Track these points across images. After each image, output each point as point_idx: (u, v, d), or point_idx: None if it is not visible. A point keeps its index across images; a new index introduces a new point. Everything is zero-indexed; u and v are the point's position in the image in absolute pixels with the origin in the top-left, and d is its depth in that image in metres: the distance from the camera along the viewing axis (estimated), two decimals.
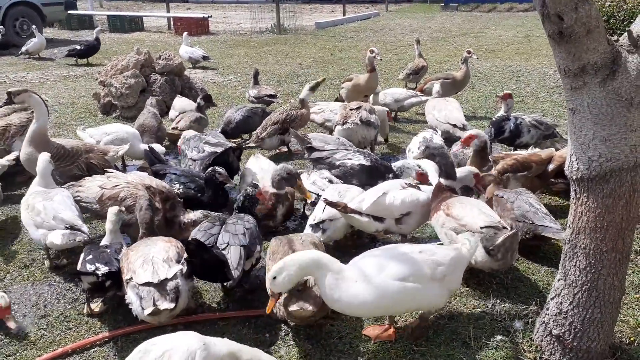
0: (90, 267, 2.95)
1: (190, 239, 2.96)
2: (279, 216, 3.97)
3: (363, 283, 2.56)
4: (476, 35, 13.97)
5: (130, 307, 2.76)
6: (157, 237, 3.15)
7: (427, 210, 3.50)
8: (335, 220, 3.55)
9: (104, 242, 3.35)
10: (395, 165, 4.35)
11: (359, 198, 3.54)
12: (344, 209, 3.41)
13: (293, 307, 2.70)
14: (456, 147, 4.56)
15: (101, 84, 7.46)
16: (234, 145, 4.85)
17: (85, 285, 2.98)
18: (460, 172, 3.70)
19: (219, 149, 4.65)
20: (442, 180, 3.48)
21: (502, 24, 16.27)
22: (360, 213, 3.43)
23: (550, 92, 7.96)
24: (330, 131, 5.64)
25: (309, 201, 4.07)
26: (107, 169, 4.24)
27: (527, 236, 3.43)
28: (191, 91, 7.71)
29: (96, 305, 3.17)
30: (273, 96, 7.01)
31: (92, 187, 3.81)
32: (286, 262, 2.61)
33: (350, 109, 5.37)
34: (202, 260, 2.88)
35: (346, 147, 4.62)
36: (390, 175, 4.26)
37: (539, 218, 3.43)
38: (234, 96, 8.30)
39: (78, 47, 11.18)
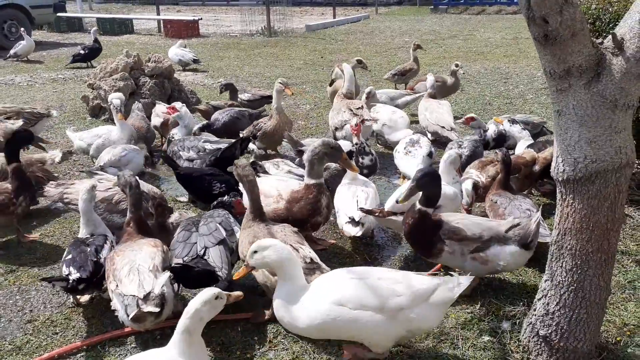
0: (65, 271, 2.95)
1: (174, 264, 2.93)
2: (324, 209, 3.55)
3: (306, 305, 2.48)
4: (465, 38, 14.04)
5: (116, 313, 2.75)
6: (144, 239, 3.12)
7: (455, 204, 3.67)
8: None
9: (85, 232, 3.31)
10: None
11: (390, 201, 3.61)
12: (381, 213, 3.47)
13: None
14: (453, 148, 4.68)
15: (90, 87, 7.42)
16: (239, 139, 4.84)
17: (59, 288, 2.97)
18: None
19: (222, 146, 4.70)
20: (420, 206, 3.09)
21: (491, 26, 16.37)
22: (395, 214, 3.47)
23: (538, 93, 8.02)
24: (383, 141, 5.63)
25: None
26: (96, 172, 4.22)
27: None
28: (181, 94, 7.68)
29: (81, 297, 3.17)
30: (269, 97, 6.92)
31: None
32: (273, 246, 2.57)
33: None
34: (191, 278, 2.90)
35: None
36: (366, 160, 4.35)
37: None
38: (224, 98, 8.27)
39: (81, 52, 11.06)
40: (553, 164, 2.49)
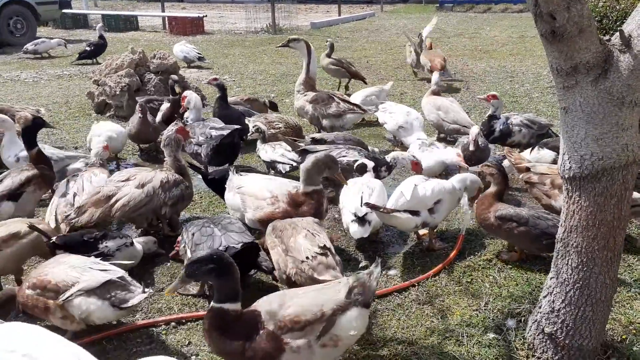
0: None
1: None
2: (325, 212, 3.63)
3: None
4: (471, 36, 14.00)
5: None
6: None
7: (454, 197, 3.67)
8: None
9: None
10: (388, 157, 4.33)
11: (393, 198, 3.60)
12: (385, 209, 3.46)
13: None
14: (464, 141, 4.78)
15: (95, 83, 7.44)
16: (239, 127, 4.99)
17: None
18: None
19: (225, 132, 4.80)
20: (214, 304, 2.38)
21: (497, 24, 16.30)
22: (399, 211, 3.48)
23: (544, 92, 7.99)
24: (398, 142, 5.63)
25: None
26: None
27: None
28: (185, 90, 7.68)
29: None
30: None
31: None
32: None
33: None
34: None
35: (338, 146, 4.65)
36: (384, 169, 4.26)
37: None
38: (229, 95, 8.27)
39: (87, 49, 11.08)
40: (559, 161, 2.49)
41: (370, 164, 4.11)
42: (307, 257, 2.87)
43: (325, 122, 5.76)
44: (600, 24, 4.10)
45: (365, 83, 7.97)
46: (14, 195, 3.86)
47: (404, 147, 5.37)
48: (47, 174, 4.11)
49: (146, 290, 2.82)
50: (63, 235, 3.26)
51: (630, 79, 2.26)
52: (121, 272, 2.85)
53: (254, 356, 2.29)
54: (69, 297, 2.68)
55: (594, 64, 2.29)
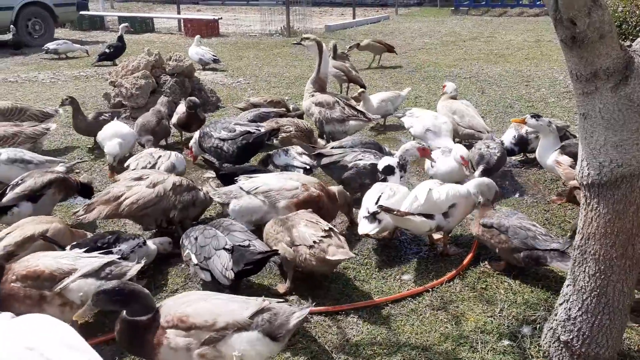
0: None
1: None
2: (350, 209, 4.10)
3: None
4: (486, 40, 13.92)
5: None
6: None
7: (470, 202, 3.63)
8: None
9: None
10: (396, 155, 4.25)
11: (407, 202, 3.58)
12: (399, 212, 3.45)
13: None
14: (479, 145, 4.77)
15: (112, 85, 7.51)
16: (271, 128, 5.10)
17: None
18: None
19: (251, 128, 4.90)
20: (125, 316, 2.44)
21: (513, 28, 16.19)
22: (413, 214, 3.47)
23: (560, 97, 7.92)
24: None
25: None
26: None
27: (530, 264, 3.27)
28: (201, 92, 7.73)
29: None
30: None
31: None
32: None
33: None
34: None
35: (353, 149, 4.66)
36: (397, 170, 4.22)
37: (540, 242, 3.21)
38: (242, 98, 8.32)
39: (107, 51, 11.21)
40: (577, 168, 2.46)
41: (395, 163, 4.08)
42: (315, 242, 3.12)
43: (327, 127, 5.73)
44: (619, 29, 4.08)
45: (364, 89, 7.79)
46: (34, 196, 3.91)
47: None
48: (69, 181, 4.17)
49: (141, 261, 2.95)
50: (77, 243, 3.28)
51: None
52: (115, 256, 3.00)
53: (142, 345, 2.34)
54: (68, 283, 2.73)
55: (614, 70, 2.26)
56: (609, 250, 2.40)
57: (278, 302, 2.48)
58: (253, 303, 2.41)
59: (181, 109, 6.14)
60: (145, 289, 2.41)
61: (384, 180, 4.04)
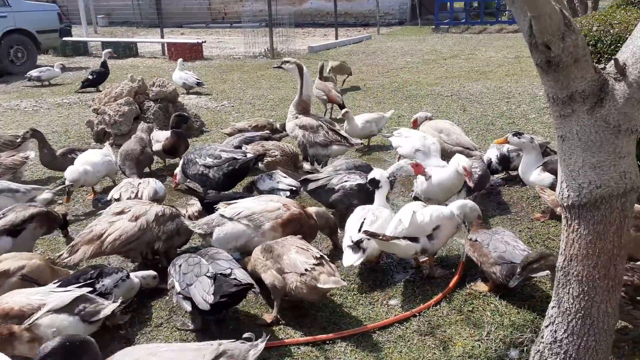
0: None
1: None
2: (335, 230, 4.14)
3: None
4: (467, 57, 14.13)
5: None
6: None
7: (453, 224, 3.64)
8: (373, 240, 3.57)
9: None
10: (389, 171, 4.25)
11: (392, 226, 3.58)
12: (384, 237, 3.44)
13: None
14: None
15: (95, 112, 7.47)
16: (257, 154, 5.12)
17: None
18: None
19: (237, 155, 4.87)
20: None
21: (493, 45, 16.46)
22: (398, 238, 3.46)
23: (540, 113, 8.03)
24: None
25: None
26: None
27: (507, 279, 3.20)
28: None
29: None
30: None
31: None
32: None
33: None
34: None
35: (338, 172, 4.66)
36: (385, 185, 4.17)
37: (518, 257, 3.23)
38: (227, 121, 8.32)
39: (90, 77, 11.16)
40: (557, 189, 2.47)
41: (384, 177, 4.09)
42: (306, 270, 3.09)
43: (311, 150, 5.73)
44: (595, 48, 4.13)
45: (341, 109, 7.79)
46: (14, 231, 3.83)
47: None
48: (52, 214, 4.11)
49: (117, 300, 2.89)
50: (59, 280, 3.21)
51: (626, 107, 2.26)
52: (86, 289, 2.95)
53: None
54: (37, 318, 2.67)
55: (589, 93, 2.29)
56: (592, 271, 2.40)
57: (231, 342, 2.44)
58: (208, 350, 2.33)
59: (161, 135, 6.10)
60: (93, 343, 2.29)
61: (372, 192, 4.08)
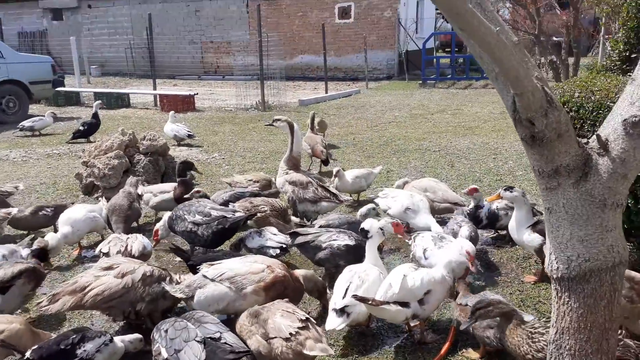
0: None
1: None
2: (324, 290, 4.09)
3: None
4: (454, 112, 14.44)
5: None
6: None
7: (445, 287, 3.60)
8: (360, 304, 3.50)
9: None
10: (380, 224, 4.13)
11: (382, 289, 3.54)
12: (374, 302, 3.39)
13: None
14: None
15: (84, 164, 7.47)
16: (248, 214, 5.05)
17: None
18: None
19: (228, 213, 4.83)
20: None
21: (479, 100, 16.88)
22: (388, 303, 3.42)
23: (527, 170, 8.14)
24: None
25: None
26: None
27: (502, 343, 3.17)
28: (174, 171, 7.74)
29: None
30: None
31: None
32: None
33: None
34: None
35: (328, 229, 4.66)
36: (376, 236, 4.14)
37: None
38: (217, 174, 8.35)
39: (81, 128, 11.22)
40: (547, 261, 2.49)
41: (375, 227, 4.05)
42: (291, 334, 3.02)
43: (300, 206, 5.75)
44: (577, 114, 4.25)
45: (324, 165, 7.83)
46: (2, 287, 3.76)
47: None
48: (40, 270, 4.05)
49: None
50: (38, 347, 3.12)
51: (610, 182, 2.31)
52: None
53: None
54: None
55: (574, 167, 2.35)
56: (584, 345, 2.39)
57: None
58: None
59: (167, 186, 6.10)
60: None
61: (362, 252, 4.06)
